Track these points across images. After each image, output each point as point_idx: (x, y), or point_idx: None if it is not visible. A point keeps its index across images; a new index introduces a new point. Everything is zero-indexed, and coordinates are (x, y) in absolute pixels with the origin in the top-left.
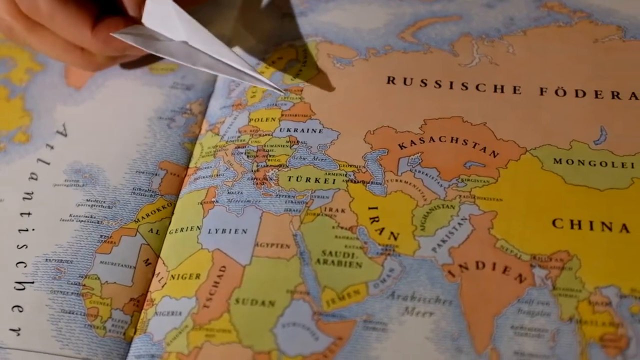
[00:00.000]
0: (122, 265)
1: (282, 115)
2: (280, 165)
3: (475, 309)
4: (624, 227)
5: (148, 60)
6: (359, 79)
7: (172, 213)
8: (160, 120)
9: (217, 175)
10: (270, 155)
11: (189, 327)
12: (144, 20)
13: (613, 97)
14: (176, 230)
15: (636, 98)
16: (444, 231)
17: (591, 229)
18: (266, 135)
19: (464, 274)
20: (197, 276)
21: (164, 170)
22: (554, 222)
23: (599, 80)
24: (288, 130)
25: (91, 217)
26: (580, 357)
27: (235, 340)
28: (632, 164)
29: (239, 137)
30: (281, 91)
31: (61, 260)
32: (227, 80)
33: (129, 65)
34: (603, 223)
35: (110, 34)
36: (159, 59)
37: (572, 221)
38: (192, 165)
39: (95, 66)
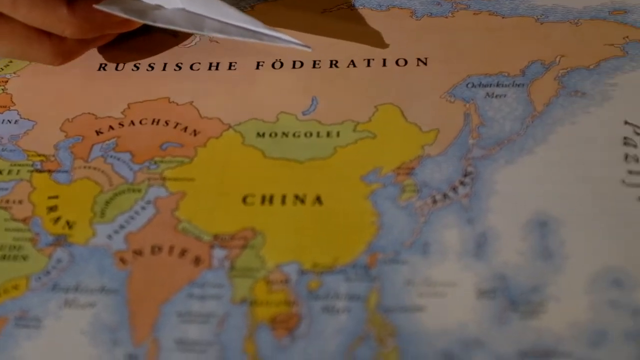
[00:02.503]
0: None
1: None
2: None
3: (142, 297)
4: (318, 199)
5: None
6: (67, 68)
7: None
8: None
9: None
10: None
11: None
12: None
13: (331, 66)
14: None
15: (354, 65)
16: (124, 217)
17: (283, 203)
18: None
19: (137, 260)
20: None
21: None
22: (244, 199)
23: (319, 50)
24: None
25: None
26: (246, 341)
27: None
28: (338, 132)
29: None
30: (307, 47)
31: None
32: None
33: None
34: (296, 196)
35: (94, 6)
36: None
37: (263, 196)
38: None
39: (64, 56)
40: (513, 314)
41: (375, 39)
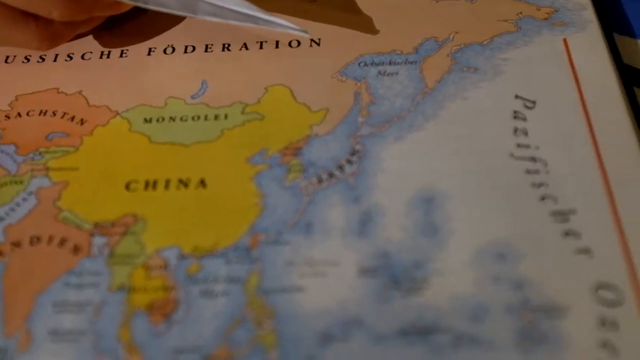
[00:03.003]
0: None
1: None
2: None
3: (17, 289)
4: (202, 182)
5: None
6: None
7: None
8: None
9: None
10: None
11: None
12: None
13: (223, 50)
14: None
15: (247, 48)
16: (4, 209)
17: (166, 188)
18: None
19: (14, 252)
20: None
21: None
22: (127, 186)
23: (212, 34)
24: None
25: None
26: (121, 328)
27: None
28: (226, 115)
29: None
30: (305, 32)
31: None
32: None
33: None
34: (180, 180)
35: None
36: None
37: (147, 182)
38: None
39: (50, 40)
40: (395, 292)
41: None
